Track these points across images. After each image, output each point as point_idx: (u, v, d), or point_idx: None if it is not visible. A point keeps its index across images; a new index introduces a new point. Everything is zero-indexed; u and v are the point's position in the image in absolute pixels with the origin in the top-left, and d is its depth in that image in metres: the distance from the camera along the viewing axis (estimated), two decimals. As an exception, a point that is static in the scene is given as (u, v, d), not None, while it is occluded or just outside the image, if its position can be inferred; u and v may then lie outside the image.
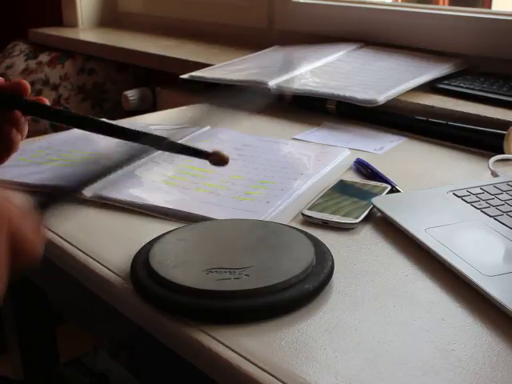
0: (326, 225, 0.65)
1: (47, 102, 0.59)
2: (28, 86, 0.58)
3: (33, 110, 0.59)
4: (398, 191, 0.73)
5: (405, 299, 0.52)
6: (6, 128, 0.58)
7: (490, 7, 1.50)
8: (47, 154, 0.87)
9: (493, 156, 0.82)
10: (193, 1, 1.70)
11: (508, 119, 0.91)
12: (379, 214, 0.67)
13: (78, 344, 1.11)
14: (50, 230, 0.66)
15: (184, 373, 0.54)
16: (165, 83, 1.40)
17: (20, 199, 0.40)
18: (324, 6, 1.40)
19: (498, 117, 0.93)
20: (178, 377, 0.56)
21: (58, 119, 0.59)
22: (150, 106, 1.46)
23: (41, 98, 0.59)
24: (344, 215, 0.66)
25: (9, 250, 0.37)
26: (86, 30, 1.86)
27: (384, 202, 0.68)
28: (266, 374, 0.44)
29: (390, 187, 0.73)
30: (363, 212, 0.67)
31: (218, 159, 0.55)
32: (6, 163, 0.62)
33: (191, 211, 0.67)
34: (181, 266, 0.53)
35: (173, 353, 0.51)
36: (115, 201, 0.71)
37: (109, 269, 0.58)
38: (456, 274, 0.55)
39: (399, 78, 1.08)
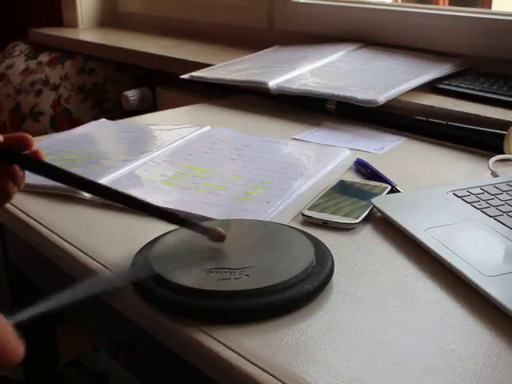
0: (325, 225, 0.65)
1: (43, 157, 0.55)
2: (30, 139, 0.54)
3: (31, 165, 0.54)
4: (398, 191, 0.73)
5: (405, 299, 0.52)
6: (2, 180, 0.55)
7: (489, 7, 1.50)
8: (47, 154, 0.86)
9: (493, 156, 0.82)
10: (193, 1, 1.70)
11: (508, 119, 0.91)
12: (379, 214, 0.67)
13: (78, 344, 1.11)
14: (50, 229, 0.66)
15: (184, 373, 0.54)
16: (165, 83, 1.40)
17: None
18: (324, 6, 1.40)
19: (497, 117, 0.93)
20: (178, 377, 0.56)
21: (56, 177, 0.55)
22: (150, 106, 1.47)
23: (38, 151, 0.55)
24: (344, 215, 0.66)
25: None
26: (85, 30, 1.86)
27: (384, 202, 0.68)
28: (265, 374, 0.44)
29: (389, 187, 0.73)
30: (363, 212, 0.67)
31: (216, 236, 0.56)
32: None
33: (191, 211, 0.67)
34: (181, 267, 0.53)
35: (173, 353, 0.51)
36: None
37: (109, 269, 0.58)
38: (456, 274, 0.55)
39: (399, 78, 1.08)
